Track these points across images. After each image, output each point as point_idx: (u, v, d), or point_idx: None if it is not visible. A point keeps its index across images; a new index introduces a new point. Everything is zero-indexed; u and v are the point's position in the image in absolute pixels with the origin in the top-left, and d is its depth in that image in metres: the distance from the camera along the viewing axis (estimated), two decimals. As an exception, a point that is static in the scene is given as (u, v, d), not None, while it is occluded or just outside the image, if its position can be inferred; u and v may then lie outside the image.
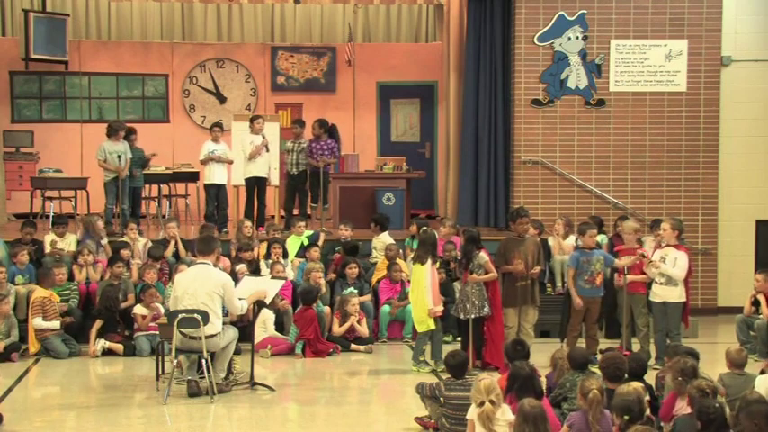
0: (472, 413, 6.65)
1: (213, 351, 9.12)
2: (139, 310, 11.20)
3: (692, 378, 6.90)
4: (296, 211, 14.72)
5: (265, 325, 11.32)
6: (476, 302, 10.14)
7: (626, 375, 7.21)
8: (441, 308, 10.27)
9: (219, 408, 8.79)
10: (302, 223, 13.30)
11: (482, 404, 6.53)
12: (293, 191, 14.68)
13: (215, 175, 14.07)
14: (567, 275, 10.87)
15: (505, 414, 6.54)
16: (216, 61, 17.69)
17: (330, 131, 14.89)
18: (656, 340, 10.61)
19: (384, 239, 12.85)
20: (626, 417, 6.19)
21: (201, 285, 9.06)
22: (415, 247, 11.36)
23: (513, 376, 6.93)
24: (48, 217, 14.23)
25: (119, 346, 11.00)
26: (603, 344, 10.60)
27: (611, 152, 14.13)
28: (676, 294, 10.50)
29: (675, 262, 10.45)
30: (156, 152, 15.05)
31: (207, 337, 8.94)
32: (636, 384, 6.77)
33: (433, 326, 10.18)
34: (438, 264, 10.80)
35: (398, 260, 12.30)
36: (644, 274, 10.57)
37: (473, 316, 10.12)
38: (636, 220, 11.17)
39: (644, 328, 10.63)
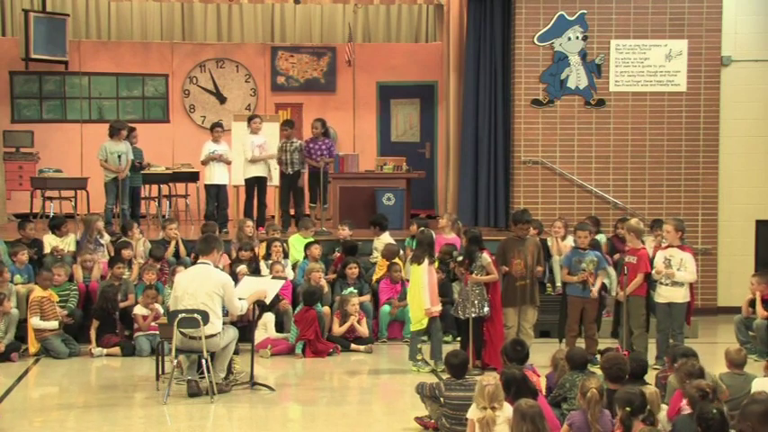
0: (472, 413, 6.66)
1: (213, 351, 9.12)
2: (140, 310, 11.20)
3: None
4: (291, 211, 14.72)
5: (266, 326, 11.32)
6: (476, 302, 10.15)
7: (627, 376, 7.21)
8: (438, 308, 10.27)
9: (219, 408, 8.79)
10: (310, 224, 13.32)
11: (484, 409, 6.54)
12: (288, 191, 14.69)
13: (215, 174, 14.09)
14: (561, 274, 10.94)
15: (505, 411, 6.55)
16: (216, 61, 17.69)
17: (325, 131, 14.91)
18: (657, 340, 10.60)
19: (385, 239, 12.85)
20: (627, 408, 6.21)
21: (201, 285, 9.06)
22: (414, 247, 11.36)
23: (507, 382, 6.89)
24: (48, 217, 14.22)
25: (116, 350, 11.01)
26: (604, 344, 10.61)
27: (611, 152, 14.12)
28: (681, 295, 10.52)
29: (681, 263, 10.46)
30: (147, 161, 15.01)
31: (207, 337, 8.94)
32: (652, 388, 6.78)
33: (425, 325, 10.19)
34: (436, 264, 10.79)
35: (397, 260, 12.30)
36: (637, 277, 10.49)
37: (473, 315, 10.13)
38: (637, 221, 11.13)
39: (637, 330, 10.40)
